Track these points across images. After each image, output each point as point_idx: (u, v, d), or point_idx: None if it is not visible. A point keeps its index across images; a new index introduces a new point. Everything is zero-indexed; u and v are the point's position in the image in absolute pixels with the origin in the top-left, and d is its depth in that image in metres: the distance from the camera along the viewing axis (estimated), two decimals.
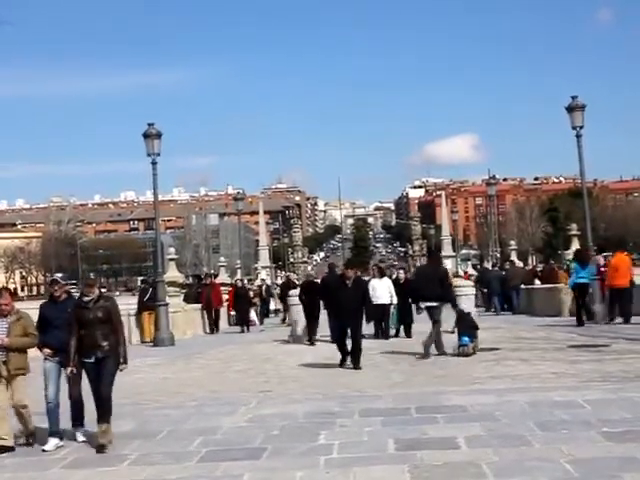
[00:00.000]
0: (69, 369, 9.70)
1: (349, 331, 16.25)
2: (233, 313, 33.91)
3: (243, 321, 32.88)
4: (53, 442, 9.70)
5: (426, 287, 18.18)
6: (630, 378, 12.81)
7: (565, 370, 14.26)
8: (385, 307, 22.43)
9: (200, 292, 34.67)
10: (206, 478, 8.06)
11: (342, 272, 16.90)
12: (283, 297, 36.92)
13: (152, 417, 11.53)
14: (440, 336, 18.13)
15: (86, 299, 9.90)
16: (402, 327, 23.40)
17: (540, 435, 8.93)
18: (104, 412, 9.56)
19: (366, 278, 22.93)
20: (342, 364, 16.20)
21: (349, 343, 16.32)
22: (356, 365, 15.87)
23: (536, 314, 30.74)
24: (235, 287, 35.48)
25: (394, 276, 24.62)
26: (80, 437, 10.06)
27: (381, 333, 22.69)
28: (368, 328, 22.88)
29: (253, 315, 35.01)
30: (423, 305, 18.22)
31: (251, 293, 37.92)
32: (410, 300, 20.47)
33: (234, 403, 12.30)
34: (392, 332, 23.25)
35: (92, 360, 9.72)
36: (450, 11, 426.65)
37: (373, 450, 8.71)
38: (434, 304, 18.02)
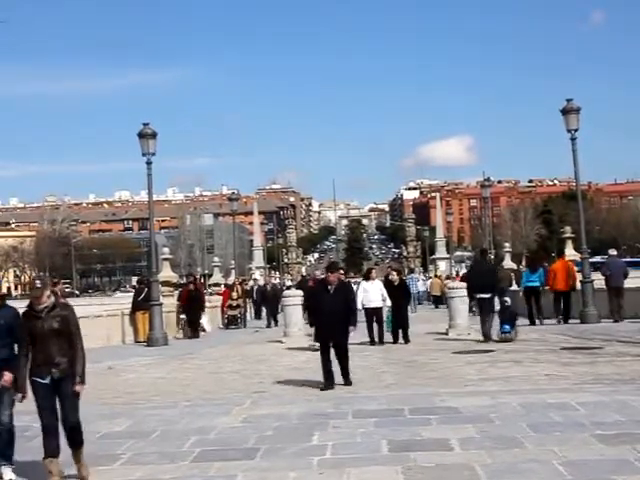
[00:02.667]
0: (19, 395, 8.25)
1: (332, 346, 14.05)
2: (183, 316, 30.63)
3: (192, 326, 30.09)
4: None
5: (479, 281, 21.30)
6: (624, 380, 12.84)
7: (558, 372, 14.29)
8: (377, 311, 21.60)
9: (181, 293, 32.45)
10: (200, 478, 8.06)
11: (324, 276, 15.26)
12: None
13: (146, 417, 11.53)
14: (485, 324, 20.88)
15: (39, 307, 8.23)
16: (400, 332, 22.08)
17: (533, 437, 8.95)
18: (77, 441, 8.28)
19: (374, 281, 22.10)
20: (326, 388, 13.56)
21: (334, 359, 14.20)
22: (346, 380, 13.96)
23: (524, 316, 30.84)
24: (187, 288, 32.07)
25: (390, 277, 23.71)
26: (7, 475, 8.42)
27: (373, 339, 21.59)
28: (360, 336, 22.79)
29: (204, 321, 31.82)
30: (478, 296, 21.35)
31: (235, 294, 37.28)
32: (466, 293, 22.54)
33: (228, 403, 12.32)
34: (390, 338, 22.02)
35: (47, 381, 8.12)
36: (445, 13, 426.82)
37: (366, 451, 8.71)
38: (486, 296, 21.04)
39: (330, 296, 13.98)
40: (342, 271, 19.96)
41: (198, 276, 65.63)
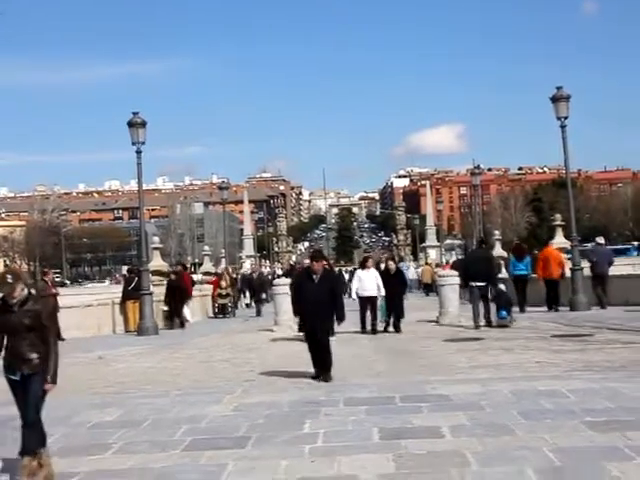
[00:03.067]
0: None
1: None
2: (166, 308, 29.65)
3: (173, 317, 29.30)
4: None
5: (475, 269, 21.89)
6: (614, 368, 12.88)
7: (549, 359, 14.33)
8: (372, 299, 21.39)
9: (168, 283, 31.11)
10: (191, 466, 8.05)
11: (308, 265, 14.51)
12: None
13: (137, 406, 11.51)
14: (477, 312, 21.40)
15: (12, 301, 7.79)
16: (392, 321, 21.92)
17: (524, 424, 8.97)
18: (29, 442, 7.75)
19: (369, 269, 21.69)
20: (317, 378, 13.39)
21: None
22: (326, 375, 13.33)
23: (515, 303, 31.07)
24: (168, 278, 31.32)
25: (382, 266, 23.06)
26: None
27: (365, 327, 21.57)
28: (350, 325, 22.70)
29: (186, 311, 30.65)
30: (474, 284, 21.73)
31: (223, 283, 36.73)
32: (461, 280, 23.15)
33: (219, 392, 12.31)
34: (381, 327, 21.94)
35: (17, 377, 7.81)
36: (435, 3, 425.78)
37: (358, 439, 8.72)
38: (482, 284, 21.58)
39: (315, 285, 13.48)
40: (324, 262, 19.51)
41: (189, 265, 65.48)
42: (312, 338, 13.62)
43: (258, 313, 35.85)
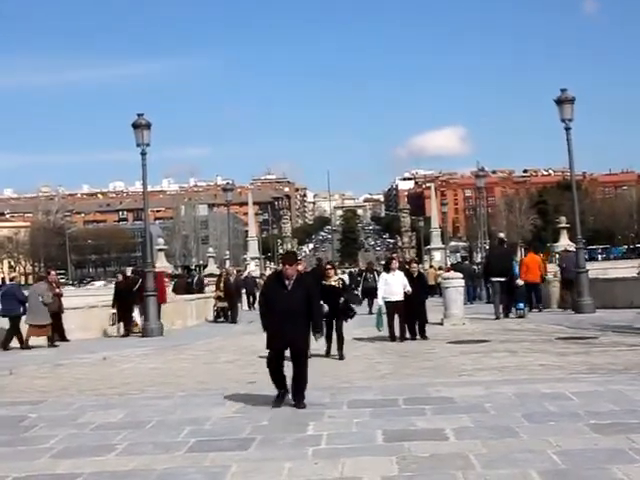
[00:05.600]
0: None
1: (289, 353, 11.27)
2: (114, 311, 26.75)
3: (123, 321, 26.64)
4: None
5: (496, 265, 24.99)
6: (618, 370, 12.86)
7: (553, 362, 14.32)
8: (399, 304, 19.91)
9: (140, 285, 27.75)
10: (194, 468, 8.03)
11: (281, 269, 11.65)
12: None
13: (141, 407, 11.50)
14: (499, 304, 24.78)
15: None
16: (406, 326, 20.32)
17: (528, 427, 8.95)
18: None
19: (395, 272, 20.29)
20: (276, 403, 11.08)
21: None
22: (299, 399, 11.03)
23: None
24: (116, 280, 28.85)
25: (411, 268, 21.88)
26: None
27: (394, 334, 19.99)
28: (357, 327, 22.55)
29: (136, 315, 27.37)
30: (494, 279, 24.98)
31: (222, 285, 34.38)
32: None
33: (222, 394, 12.30)
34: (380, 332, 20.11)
35: None
36: (436, 2, 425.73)
37: (361, 441, 8.70)
38: (502, 279, 24.57)
39: (287, 293, 11.07)
40: (329, 266, 18.83)
41: (193, 266, 65.41)
42: (279, 356, 11.16)
43: (233, 319, 32.74)
